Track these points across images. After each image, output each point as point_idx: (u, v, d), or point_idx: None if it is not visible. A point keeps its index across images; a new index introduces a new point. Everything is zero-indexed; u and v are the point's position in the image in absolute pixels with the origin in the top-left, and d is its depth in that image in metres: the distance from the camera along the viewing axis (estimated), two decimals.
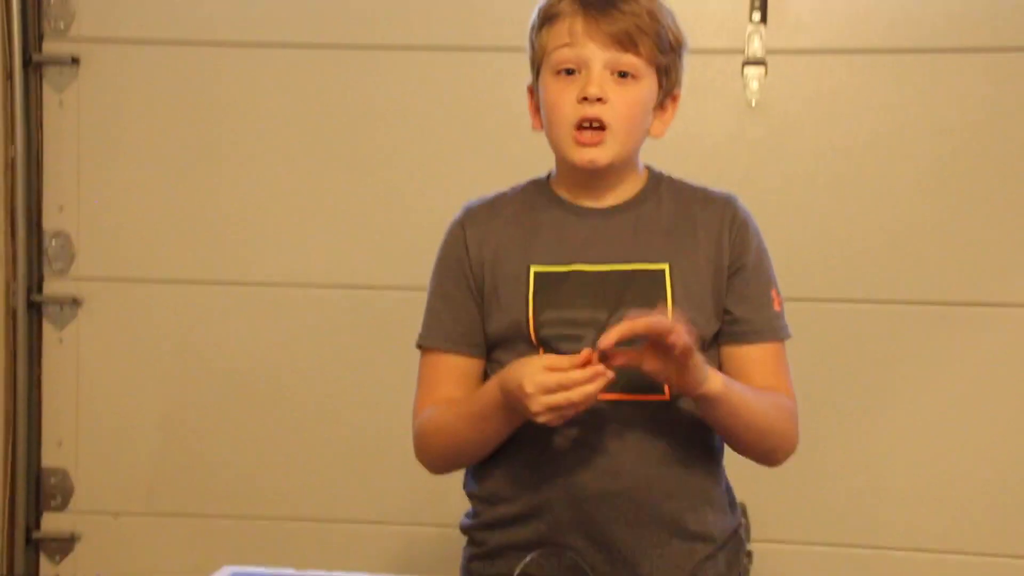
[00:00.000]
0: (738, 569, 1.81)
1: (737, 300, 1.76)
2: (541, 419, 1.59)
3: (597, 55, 1.70)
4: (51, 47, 2.89)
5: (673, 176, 1.84)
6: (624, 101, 1.71)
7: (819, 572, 2.83)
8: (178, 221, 2.92)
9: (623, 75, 1.71)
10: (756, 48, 2.76)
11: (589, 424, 1.69)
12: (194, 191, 2.91)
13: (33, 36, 2.88)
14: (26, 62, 2.86)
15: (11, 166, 2.89)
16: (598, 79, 1.70)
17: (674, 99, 1.80)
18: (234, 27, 2.88)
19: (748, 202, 1.81)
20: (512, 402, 1.62)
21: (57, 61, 2.88)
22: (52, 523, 3.00)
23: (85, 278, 2.95)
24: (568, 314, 1.72)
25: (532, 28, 1.77)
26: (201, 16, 2.88)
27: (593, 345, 1.59)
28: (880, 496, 2.81)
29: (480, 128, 2.84)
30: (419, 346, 1.82)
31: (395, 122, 2.87)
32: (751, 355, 1.76)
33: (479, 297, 1.77)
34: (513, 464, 1.75)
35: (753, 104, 2.78)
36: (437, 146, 2.87)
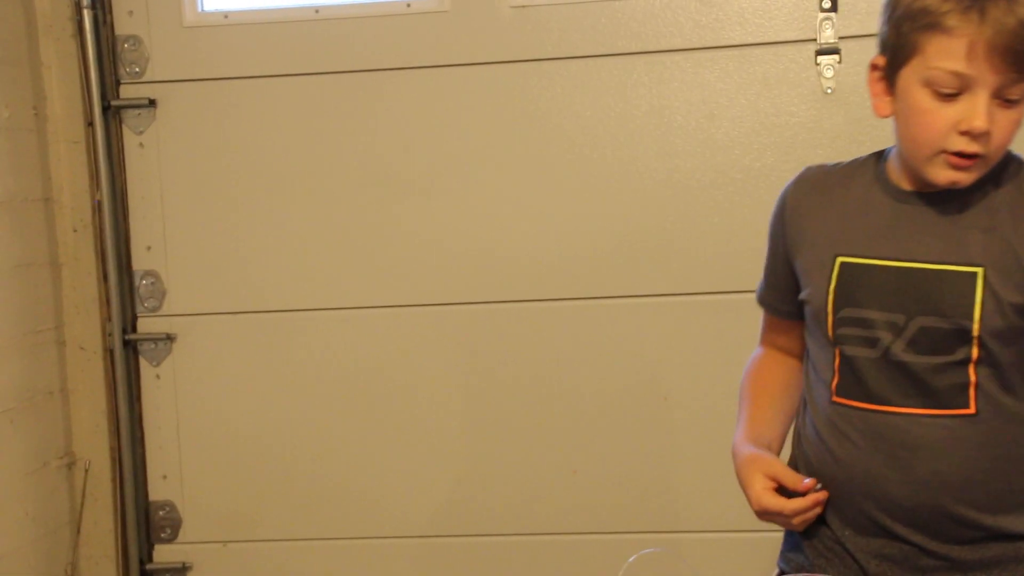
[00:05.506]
0: None
1: None
2: None
3: (989, 82, 1.51)
4: (128, 91, 2.94)
5: None
6: (1005, 129, 1.54)
7: None
8: (262, 252, 2.95)
9: (1009, 101, 1.53)
10: (828, 36, 2.73)
11: (884, 436, 1.62)
12: (276, 221, 2.94)
13: (110, 82, 2.93)
14: (105, 108, 2.91)
15: (98, 210, 2.94)
16: (985, 111, 1.51)
17: None
18: (305, 58, 2.90)
19: None
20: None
21: (135, 104, 2.93)
22: (164, 555, 3.05)
23: (177, 314, 2.99)
24: (865, 313, 1.62)
25: (901, 15, 1.56)
26: (269, 51, 2.91)
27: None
28: None
29: (534, 140, 2.84)
30: None
31: (466, 141, 2.88)
32: None
33: (791, 266, 1.73)
34: (810, 463, 1.72)
35: (829, 92, 2.75)
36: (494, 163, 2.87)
